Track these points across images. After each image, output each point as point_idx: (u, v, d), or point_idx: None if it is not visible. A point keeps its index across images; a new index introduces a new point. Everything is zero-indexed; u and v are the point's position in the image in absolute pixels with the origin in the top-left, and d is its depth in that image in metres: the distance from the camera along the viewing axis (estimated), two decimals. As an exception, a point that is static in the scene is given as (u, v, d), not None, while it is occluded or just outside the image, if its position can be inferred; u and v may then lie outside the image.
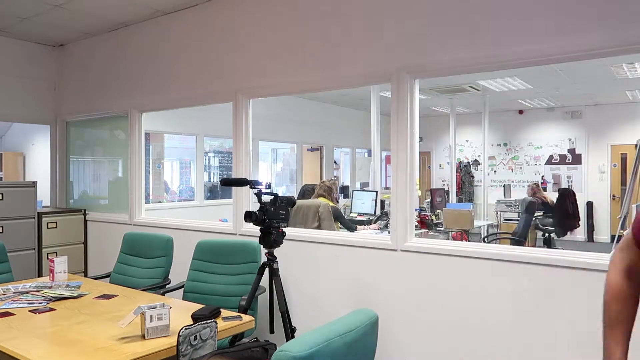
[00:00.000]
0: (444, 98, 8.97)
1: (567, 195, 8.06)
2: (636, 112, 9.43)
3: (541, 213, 7.87)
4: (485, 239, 7.23)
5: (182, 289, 3.22)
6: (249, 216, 2.86)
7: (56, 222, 5.01)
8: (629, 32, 2.39)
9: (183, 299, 3.11)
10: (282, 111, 8.28)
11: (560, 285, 2.56)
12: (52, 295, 2.69)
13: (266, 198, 2.91)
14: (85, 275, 4.77)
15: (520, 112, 10.77)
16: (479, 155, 11.07)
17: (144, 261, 3.49)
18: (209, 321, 1.98)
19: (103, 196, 5.32)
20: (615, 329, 1.29)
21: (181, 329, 1.87)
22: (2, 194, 4.61)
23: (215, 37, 4.10)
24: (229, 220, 4.41)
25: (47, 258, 4.77)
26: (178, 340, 1.85)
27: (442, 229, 6.50)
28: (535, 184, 8.86)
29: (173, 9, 4.32)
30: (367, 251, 3.23)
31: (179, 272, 3.40)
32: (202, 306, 2.46)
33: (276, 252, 2.93)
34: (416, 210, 3.20)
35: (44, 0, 4.10)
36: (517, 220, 6.77)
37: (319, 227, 4.73)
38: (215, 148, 9.85)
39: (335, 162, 10.59)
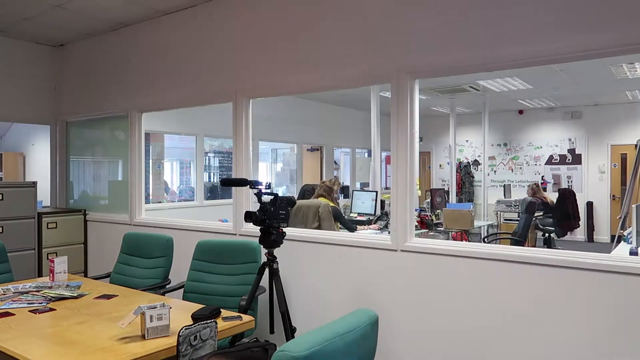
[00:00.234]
0: (444, 98, 8.97)
1: (567, 196, 8.06)
2: (636, 112, 9.43)
3: (541, 213, 7.88)
4: (485, 239, 7.23)
5: (182, 289, 3.22)
6: (249, 216, 2.86)
7: (56, 222, 5.01)
8: (629, 32, 2.39)
9: (183, 299, 3.11)
10: (282, 111, 8.28)
11: (560, 285, 2.56)
12: (52, 295, 2.69)
13: (266, 198, 2.91)
14: (85, 276, 4.78)
15: (520, 112, 10.77)
16: (479, 156, 11.08)
17: (144, 261, 3.49)
18: (209, 321, 1.98)
19: (103, 196, 5.32)
20: None
21: (181, 329, 1.87)
22: (2, 194, 4.61)
23: (215, 37, 4.10)
24: (229, 221, 4.41)
25: (47, 258, 4.77)
26: (178, 341, 1.85)
27: (442, 229, 6.50)
28: (535, 184, 8.86)
29: (173, 9, 4.32)
30: (367, 251, 3.23)
31: (179, 272, 3.40)
32: (202, 306, 2.46)
33: (276, 252, 2.93)
34: (416, 210, 3.20)
35: (44, 0, 4.10)
36: (517, 220, 6.78)
37: (319, 227, 4.73)
38: (215, 148, 9.85)
39: (335, 162, 10.59)
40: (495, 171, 11.17)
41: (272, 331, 3.03)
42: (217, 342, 2.01)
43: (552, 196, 8.77)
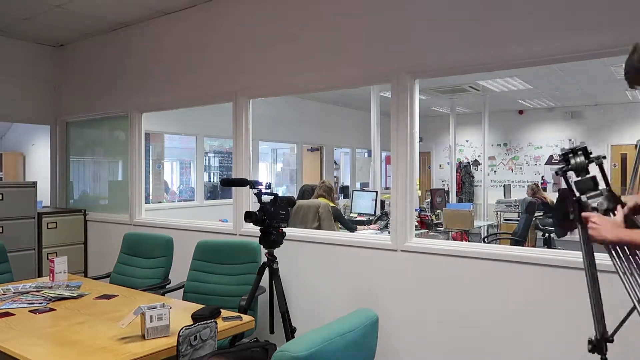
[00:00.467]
0: (444, 98, 8.97)
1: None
2: (636, 112, 9.42)
3: (541, 213, 7.87)
4: (485, 239, 7.23)
5: (182, 289, 3.22)
6: (249, 216, 2.86)
7: (56, 223, 5.01)
8: (629, 32, 2.39)
9: (183, 299, 3.11)
10: (282, 111, 8.28)
11: (560, 285, 2.56)
12: (52, 295, 2.69)
13: (266, 198, 2.91)
14: (85, 276, 4.78)
15: (520, 112, 10.77)
16: (479, 156, 11.07)
17: (144, 261, 3.49)
18: (209, 321, 1.98)
19: (103, 196, 5.32)
20: None
21: (181, 329, 1.87)
22: (2, 194, 4.61)
23: (215, 37, 4.10)
24: (229, 221, 4.41)
25: (47, 258, 4.76)
26: (178, 341, 1.85)
27: (442, 229, 6.50)
28: (535, 184, 8.86)
29: (173, 9, 4.32)
30: (367, 251, 3.23)
31: (179, 272, 3.40)
32: (202, 306, 2.46)
33: (276, 252, 2.93)
34: (416, 210, 3.20)
35: (44, 0, 4.10)
36: (517, 220, 6.78)
37: (319, 227, 4.73)
38: (215, 148, 9.86)
39: (335, 162, 10.59)
40: (495, 171, 11.16)
41: (272, 331, 3.02)
42: (217, 342, 2.01)
43: (552, 196, 8.77)
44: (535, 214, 7.11)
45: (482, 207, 9.32)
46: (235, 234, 3.89)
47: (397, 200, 3.09)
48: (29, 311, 2.45)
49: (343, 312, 1.57)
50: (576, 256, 2.58)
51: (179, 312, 2.36)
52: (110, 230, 4.93)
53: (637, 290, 1.49)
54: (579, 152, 1.74)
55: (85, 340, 2.05)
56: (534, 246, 7.23)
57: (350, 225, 5.31)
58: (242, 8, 3.92)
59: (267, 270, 2.92)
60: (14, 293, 2.76)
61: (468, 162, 11.58)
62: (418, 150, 3.16)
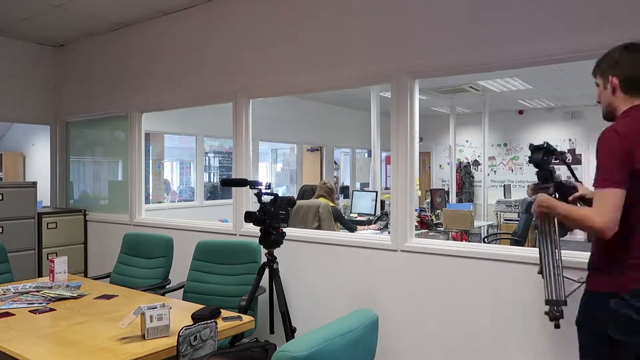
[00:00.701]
0: (444, 98, 8.97)
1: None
2: (636, 112, 9.42)
3: (541, 213, 7.86)
4: (485, 239, 7.23)
5: (182, 289, 3.22)
6: (249, 216, 2.86)
7: (56, 223, 5.01)
8: (628, 32, 2.39)
9: (183, 299, 3.11)
10: (282, 111, 8.28)
11: (560, 285, 2.55)
12: (52, 295, 2.69)
13: (266, 198, 2.91)
14: (85, 276, 4.78)
15: (520, 112, 10.77)
16: (479, 156, 11.07)
17: (144, 261, 3.49)
18: (209, 321, 1.98)
19: (103, 196, 5.32)
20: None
21: (181, 329, 1.87)
22: (2, 194, 4.61)
23: (215, 37, 4.10)
24: (229, 221, 4.41)
25: (47, 258, 4.77)
26: (178, 341, 1.85)
27: (442, 229, 6.50)
28: (535, 183, 8.85)
29: (173, 9, 4.32)
30: (367, 251, 3.23)
31: (179, 272, 3.40)
32: (202, 306, 2.46)
33: (276, 252, 2.93)
34: (416, 210, 3.20)
35: (44, 0, 4.10)
36: (517, 220, 6.78)
37: (319, 228, 4.73)
38: (215, 148, 9.86)
39: (335, 162, 10.59)
40: (495, 171, 11.16)
41: (272, 331, 3.03)
42: (217, 342, 2.01)
43: (552, 196, 8.76)
44: (536, 214, 7.10)
45: (482, 207, 9.32)
46: (235, 234, 3.89)
47: (397, 200, 3.09)
48: (29, 311, 2.45)
49: (343, 312, 1.57)
50: (576, 256, 2.58)
51: (179, 312, 2.36)
52: (110, 230, 4.93)
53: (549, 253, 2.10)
54: (540, 150, 2.11)
55: (85, 340, 2.05)
56: (534, 246, 7.22)
57: (350, 226, 5.31)
58: (242, 8, 3.92)
59: (267, 270, 2.92)
60: (14, 293, 2.76)
61: (468, 162, 11.57)
62: (418, 150, 3.17)
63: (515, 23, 2.70)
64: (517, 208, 8.12)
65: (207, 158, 9.32)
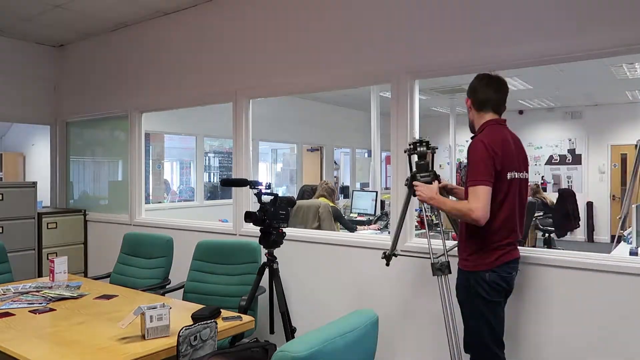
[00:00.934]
0: (444, 98, 8.96)
1: (567, 196, 8.06)
2: (636, 112, 9.43)
3: (541, 213, 7.87)
4: (485, 239, 7.20)
5: (182, 289, 3.22)
6: (249, 216, 2.86)
7: (56, 223, 5.01)
8: (629, 32, 2.39)
9: (183, 299, 3.11)
10: (282, 111, 8.28)
11: (560, 285, 2.56)
12: (52, 295, 2.69)
13: (266, 198, 2.91)
14: (85, 276, 4.78)
15: (520, 112, 10.77)
16: (479, 156, 11.05)
17: (144, 261, 3.49)
18: (209, 321, 1.98)
19: (103, 196, 5.32)
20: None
21: (181, 329, 1.87)
22: (2, 194, 4.61)
23: (215, 38, 4.11)
24: (229, 221, 4.41)
25: (47, 258, 4.77)
26: (178, 341, 1.85)
27: (442, 229, 6.47)
28: (535, 184, 8.86)
29: (173, 9, 4.32)
30: (367, 251, 3.23)
31: (179, 272, 3.40)
32: (202, 306, 2.46)
33: (276, 252, 2.93)
34: (416, 210, 3.20)
35: (44, 0, 4.10)
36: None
37: (319, 228, 4.73)
38: (215, 148, 9.86)
39: (335, 162, 10.59)
40: (495, 171, 11.14)
41: (272, 331, 3.03)
42: (217, 342, 2.01)
43: (552, 196, 8.77)
44: (535, 214, 7.11)
45: (482, 207, 9.29)
46: (235, 234, 3.89)
47: (397, 200, 3.09)
48: (29, 311, 2.45)
49: (343, 312, 1.57)
50: (576, 256, 2.58)
51: (179, 312, 2.36)
52: (110, 230, 4.93)
53: None
54: (423, 143, 2.44)
55: (85, 340, 2.05)
56: (534, 246, 7.23)
57: (350, 226, 5.31)
58: (242, 8, 3.92)
59: (267, 271, 2.92)
60: (14, 293, 2.76)
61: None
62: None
63: (516, 23, 2.70)
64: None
65: (207, 158, 9.32)
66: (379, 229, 5.50)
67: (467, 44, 2.85)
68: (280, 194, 2.95)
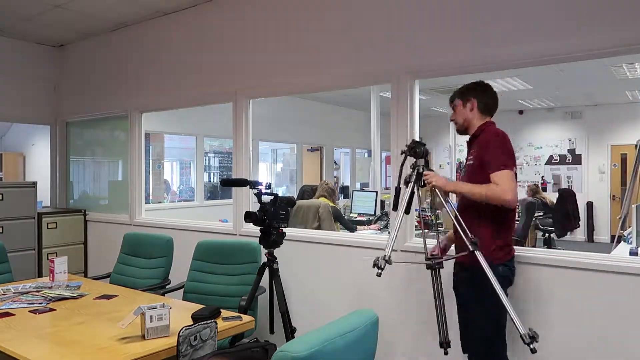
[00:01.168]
0: (444, 98, 8.93)
1: (567, 196, 8.06)
2: (636, 112, 9.42)
3: (541, 213, 7.87)
4: (485, 239, 7.20)
5: (182, 289, 3.22)
6: (249, 216, 2.86)
7: (56, 223, 5.01)
8: (629, 32, 2.39)
9: (183, 299, 3.11)
10: (282, 111, 8.28)
11: (560, 285, 2.56)
12: (52, 295, 2.69)
13: (266, 198, 2.91)
14: (85, 276, 4.78)
15: (520, 112, 10.76)
16: (479, 156, 11.05)
17: (144, 261, 3.48)
18: (209, 321, 1.98)
19: (103, 196, 5.32)
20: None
21: (181, 329, 1.87)
22: (2, 194, 4.61)
23: (215, 38, 4.11)
24: (229, 221, 4.41)
25: (47, 258, 4.77)
26: (178, 341, 1.85)
27: (442, 229, 6.48)
28: (535, 184, 8.86)
29: (173, 9, 4.32)
30: (367, 251, 3.23)
31: (179, 272, 3.40)
32: (202, 306, 2.46)
33: (276, 252, 2.93)
34: (416, 210, 3.19)
35: (44, 0, 4.10)
36: (517, 220, 6.77)
37: (319, 228, 4.73)
38: (215, 148, 9.86)
39: (335, 162, 10.58)
40: (495, 171, 11.14)
41: (272, 331, 3.03)
42: (217, 342, 2.01)
43: (552, 196, 8.77)
44: (535, 214, 7.11)
45: (482, 207, 9.29)
46: (235, 234, 3.89)
47: (397, 200, 3.08)
48: (29, 311, 2.45)
49: (343, 312, 1.57)
50: (576, 256, 2.58)
51: (179, 312, 2.36)
52: (110, 230, 4.93)
53: None
54: (421, 145, 2.40)
55: (85, 340, 2.05)
56: (534, 246, 7.23)
57: (350, 226, 5.31)
58: (242, 8, 3.92)
59: (267, 271, 2.92)
60: (14, 293, 2.76)
61: (468, 162, 11.55)
62: (418, 150, 3.16)
63: (516, 23, 2.70)
64: (517, 208, 8.11)
65: (207, 158, 9.32)
66: (379, 229, 5.50)
67: (467, 44, 2.85)
68: (280, 194, 2.95)
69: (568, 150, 10.30)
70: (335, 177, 10.65)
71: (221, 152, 9.98)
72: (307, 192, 5.42)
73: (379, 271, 2.22)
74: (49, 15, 4.47)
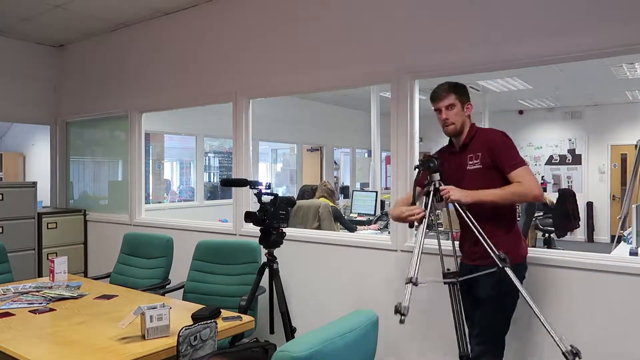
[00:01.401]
0: (444, 98, 8.94)
1: (567, 196, 8.05)
2: (636, 112, 9.42)
3: (541, 213, 7.87)
4: (486, 239, 7.19)
5: (182, 289, 3.22)
6: (249, 216, 2.86)
7: (56, 223, 5.01)
8: (628, 32, 2.39)
9: (183, 299, 3.11)
10: (282, 111, 8.27)
11: (560, 285, 2.56)
12: (52, 295, 2.69)
13: (266, 198, 2.91)
14: (85, 276, 4.78)
15: (520, 112, 10.76)
16: (479, 156, 11.04)
17: (144, 261, 3.48)
18: (209, 321, 1.98)
19: (103, 196, 5.32)
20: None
21: (181, 329, 1.87)
22: (2, 194, 4.61)
23: (215, 38, 4.10)
24: (229, 221, 4.41)
25: (47, 258, 4.76)
26: (178, 341, 1.85)
27: (442, 229, 6.48)
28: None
29: (173, 9, 4.32)
30: (367, 251, 3.23)
31: (179, 272, 3.40)
32: (202, 306, 2.46)
33: (276, 252, 2.93)
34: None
35: (44, 0, 4.10)
36: (517, 220, 6.78)
37: (319, 228, 4.73)
38: (215, 148, 9.86)
39: (335, 162, 10.58)
40: (495, 171, 11.14)
41: (272, 331, 3.02)
42: (217, 342, 2.01)
43: (552, 196, 8.77)
44: (535, 214, 7.11)
45: (482, 207, 9.29)
46: (235, 234, 3.89)
47: (397, 200, 3.08)
48: (29, 311, 2.45)
49: (343, 312, 1.57)
50: (576, 256, 2.58)
51: (179, 312, 2.36)
52: (110, 230, 4.93)
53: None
54: (434, 159, 2.39)
55: (85, 340, 2.05)
56: (534, 246, 7.23)
57: (350, 226, 5.31)
58: (242, 8, 3.92)
59: (267, 270, 2.92)
60: (14, 293, 2.76)
61: (468, 162, 11.55)
62: (418, 150, 3.16)
63: (515, 23, 2.70)
64: (517, 208, 8.11)
65: (207, 158, 9.32)
66: (379, 229, 5.50)
67: (467, 44, 2.85)
68: (280, 194, 2.95)
69: (568, 150, 10.30)
70: (335, 177, 10.65)
71: (221, 152, 9.98)
72: (307, 192, 5.42)
73: (402, 317, 2.13)
74: (49, 15, 4.47)
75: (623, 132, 9.55)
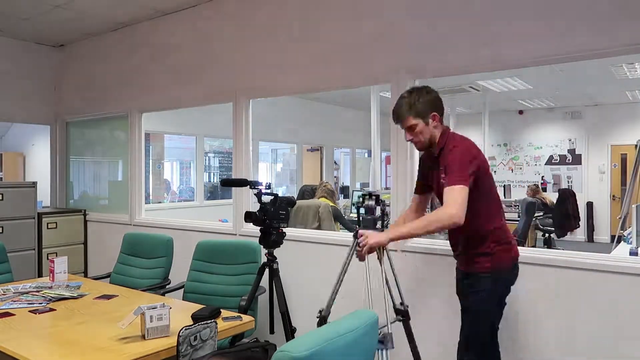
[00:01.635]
0: (444, 98, 8.84)
1: (567, 196, 8.06)
2: (636, 112, 9.42)
3: (541, 213, 7.87)
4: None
5: (182, 289, 3.22)
6: (249, 216, 2.86)
7: (56, 223, 5.01)
8: (628, 32, 2.39)
9: (183, 299, 3.11)
10: (282, 111, 8.27)
11: (560, 285, 2.56)
12: (52, 295, 2.69)
13: (266, 198, 2.91)
14: (86, 276, 4.78)
15: (520, 112, 10.76)
16: (479, 156, 11.04)
17: (144, 261, 3.49)
18: (209, 321, 1.98)
19: (103, 196, 5.32)
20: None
21: (181, 329, 1.87)
22: (2, 194, 4.61)
23: (215, 38, 4.10)
24: (229, 221, 4.41)
25: (47, 258, 4.76)
26: (178, 341, 1.85)
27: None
28: (535, 185, 8.86)
29: (173, 9, 4.32)
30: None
31: (179, 272, 3.40)
32: (202, 306, 2.46)
33: (276, 252, 2.93)
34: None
35: (44, 0, 4.10)
36: (517, 220, 6.78)
37: (319, 228, 4.73)
38: (215, 148, 9.86)
39: (335, 162, 10.58)
40: (495, 171, 11.15)
41: (272, 331, 3.02)
42: (217, 343, 2.01)
43: (552, 196, 8.77)
44: (535, 214, 7.11)
45: (482, 207, 9.28)
46: (235, 234, 3.89)
47: (397, 200, 3.09)
48: (29, 311, 2.45)
49: (343, 313, 1.57)
50: (576, 256, 2.58)
51: (179, 312, 2.36)
52: (110, 230, 4.93)
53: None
54: (372, 197, 2.48)
55: (85, 340, 2.05)
56: (534, 246, 7.23)
57: (350, 226, 5.30)
58: (242, 8, 3.92)
59: (267, 270, 2.92)
60: (14, 293, 2.76)
61: (468, 162, 11.54)
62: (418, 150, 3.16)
63: (515, 23, 2.70)
64: (517, 208, 8.11)
65: (207, 158, 9.32)
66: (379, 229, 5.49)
67: (467, 44, 2.85)
68: (280, 194, 2.96)
69: (568, 150, 10.30)
70: (335, 177, 10.65)
71: (221, 152, 9.98)
72: (307, 192, 5.42)
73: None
74: (49, 15, 4.47)
75: (623, 132, 9.55)
